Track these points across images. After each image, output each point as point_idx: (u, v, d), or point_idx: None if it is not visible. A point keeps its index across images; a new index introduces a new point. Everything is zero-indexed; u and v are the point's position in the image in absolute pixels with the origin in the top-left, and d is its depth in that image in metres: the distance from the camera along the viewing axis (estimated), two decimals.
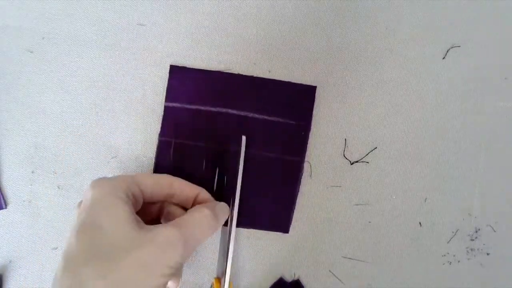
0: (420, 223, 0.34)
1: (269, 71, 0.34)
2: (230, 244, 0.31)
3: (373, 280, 0.34)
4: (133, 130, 0.34)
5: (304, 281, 0.33)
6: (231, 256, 0.31)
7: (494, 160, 0.34)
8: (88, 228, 0.24)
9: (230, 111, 0.34)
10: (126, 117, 0.35)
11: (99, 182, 0.26)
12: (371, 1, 0.34)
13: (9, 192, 0.35)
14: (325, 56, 0.34)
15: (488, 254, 0.34)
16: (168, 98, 0.34)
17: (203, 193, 0.30)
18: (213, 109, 0.34)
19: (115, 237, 0.24)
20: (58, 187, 0.34)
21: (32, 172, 0.35)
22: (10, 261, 0.34)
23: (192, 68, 0.34)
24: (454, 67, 0.34)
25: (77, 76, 0.35)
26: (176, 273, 0.25)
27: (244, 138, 0.33)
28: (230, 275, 0.31)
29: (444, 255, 0.34)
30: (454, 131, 0.34)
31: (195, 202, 0.30)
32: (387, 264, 0.34)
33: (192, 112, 0.34)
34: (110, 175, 0.34)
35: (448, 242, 0.34)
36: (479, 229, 0.34)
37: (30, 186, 0.34)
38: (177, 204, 0.30)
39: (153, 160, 0.34)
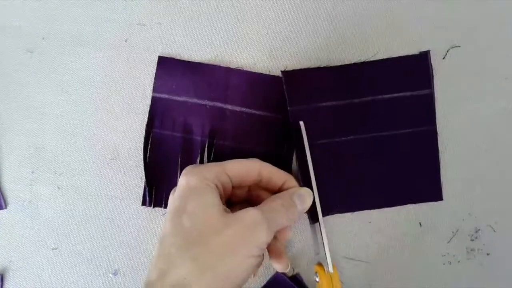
0: (420, 223, 0.34)
1: (269, 71, 0.34)
2: (322, 230, 0.31)
3: (373, 280, 0.34)
4: (133, 131, 0.34)
5: (304, 281, 0.33)
6: (326, 240, 0.31)
7: (494, 160, 0.34)
8: (179, 214, 0.26)
9: (217, 104, 0.34)
10: (126, 117, 0.35)
11: (190, 171, 0.28)
12: (371, 1, 0.34)
13: (9, 192, 0.35)
14: (325, 56, 0.34)
15: (488, 254, 0.34)
16: (156, 89, 0.34)
17: (290, 181, 0.30)
18: (201, 101, 0.34)
19: (203, 222, 0.25)
20: (58, 187, 0.34)
21: (32, 172, 0.35)
22: (10, 261, 0.34)
23: (181, 60, 0.34)
24: (454, 67, 0.34)
25: (77, 76, 0.35)
26: (261, 259, 0.27)
27: (301, 123, 0.32)
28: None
29: (444, 255, 0.34)
30: (454, 131, 0.34)
31: (281, 188, 0.30)
32: (387, 264, 0.34)
33: (180, 104, 0.34)
34: (110, 176, 0.34)
35: (448, 242, 0.34)
36: (479, 229, 0.34)
37: (30, 186, 0.34)
38: (265, 189, 0.31)
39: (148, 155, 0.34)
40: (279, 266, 0.30)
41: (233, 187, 0.29)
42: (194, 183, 0.27)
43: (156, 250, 0.26)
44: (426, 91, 0.33)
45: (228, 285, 0.24)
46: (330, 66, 0.34)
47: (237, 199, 0.31)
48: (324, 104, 0.33)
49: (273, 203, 0.28)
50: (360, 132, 0.33)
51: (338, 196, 0.33)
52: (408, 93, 0.33)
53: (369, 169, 0.33)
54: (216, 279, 0.24)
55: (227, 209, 0.27)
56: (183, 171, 0.28)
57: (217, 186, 0.27)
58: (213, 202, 0.26)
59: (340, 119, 0.33)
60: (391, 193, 0.33)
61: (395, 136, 0.33)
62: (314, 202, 0.31)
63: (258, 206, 0.27)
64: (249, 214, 0.26)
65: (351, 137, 0.33)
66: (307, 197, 0.29)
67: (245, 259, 0.25)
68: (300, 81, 0.33)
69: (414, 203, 0.33)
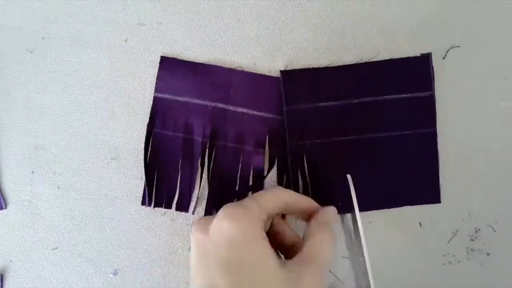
0: (420, 223, 0.34)
1: (269, 71, 0.34)
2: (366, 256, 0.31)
3: (373, 280, 0.34)
4: (133, 131, 0.34)
5: None
6: (370, 269, 0.31)
7: (494, 160, 0.34)
8: (236, 267, 0.24)
9: (219, 105, 0.34)
10: (126, 117, 0.35)
11: (236, 215, 0.26)
12: (371, 1, 0.34)
13: (9, 192, 0.35)
14: (326, 57, 0.34)
15: (488, 254, 0.34)
16: (158, 89, 0.34)
17: (311, 204, 0.30)
18: (203, 102, 0.34)
19: (265, 277, 0.24)
20: (58, 187, 0.34)
21: (32, 172, 0.35)
22: (10, 261, 0.34)
23: (183, 60, 0.34)
24: (454, 67, 0.34)
25: (77, 76, 0.35)
26: None
27: (349, 176, 0.32)
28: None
29: (444, 255, 0.34)
30: (453, 131, 0.34)
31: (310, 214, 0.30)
32: (387, 264, 0.34)
33: (181, 104, 0.34)
34: (110, 176, 0.34)
35: (448, 242, 0.34)
36: (479, 229, 0.34)
37: (30, 186, 0.34)
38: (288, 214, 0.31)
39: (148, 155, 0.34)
40: None
41: None
42: (246, 231, 0.25)
43: None
44: (426, 93, 0.33)
45: None
46: (330, 66, 0.34)
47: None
48: (322, 104, 0.33)
49: (319, 244, 0.27)
50: (359, 132, 0.33)
51: (336, 196, 0.33)
52: (408, 95, 0.33)
53: (367, 170, 0.33)
54: None
55: (279, 256, 0.26)
56: (224, 213, 0.26)
57: (264, 231, 0.26)
58: (270, 254, 0.25)
59: (339, 119, 0.33)
60: (388, 194, 0.33)
61: (394, 137, 0.33)
62: None
63: (309, 252, 0.26)
64: (310, 277, 0.25)
65: (350, 137, 0.33)
66: (334, 214, 0.30)
67: None
68: (299, 81, 0.33)
69: (412, 205, 0.33)
